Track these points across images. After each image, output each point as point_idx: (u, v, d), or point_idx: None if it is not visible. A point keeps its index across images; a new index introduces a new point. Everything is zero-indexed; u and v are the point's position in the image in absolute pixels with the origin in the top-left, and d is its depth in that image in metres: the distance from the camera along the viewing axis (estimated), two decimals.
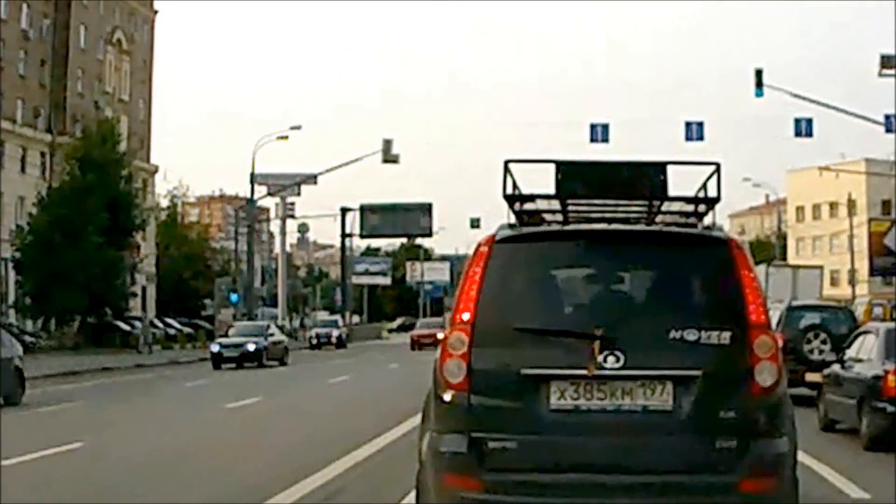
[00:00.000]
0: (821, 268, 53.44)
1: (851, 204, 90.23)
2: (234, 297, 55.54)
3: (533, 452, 6.20)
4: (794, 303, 25.20)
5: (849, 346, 15.92)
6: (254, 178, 56.71)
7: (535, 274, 6.49)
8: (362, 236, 71.34)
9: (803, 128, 43.02)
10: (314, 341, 64.65)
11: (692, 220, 6.93)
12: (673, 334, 6.22)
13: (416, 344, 58.16)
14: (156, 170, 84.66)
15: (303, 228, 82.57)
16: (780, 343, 13.06)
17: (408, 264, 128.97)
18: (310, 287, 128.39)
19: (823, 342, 21.29)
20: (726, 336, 6.23)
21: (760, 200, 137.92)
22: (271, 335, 42.63)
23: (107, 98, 76.97)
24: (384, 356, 48.65)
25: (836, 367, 16.00)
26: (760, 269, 44.31)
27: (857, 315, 24.89)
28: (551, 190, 6.58)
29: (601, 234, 6.67)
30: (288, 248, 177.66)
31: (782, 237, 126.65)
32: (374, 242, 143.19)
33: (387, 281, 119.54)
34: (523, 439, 6.20)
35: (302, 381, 32.55)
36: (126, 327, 58.73)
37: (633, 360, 6.19)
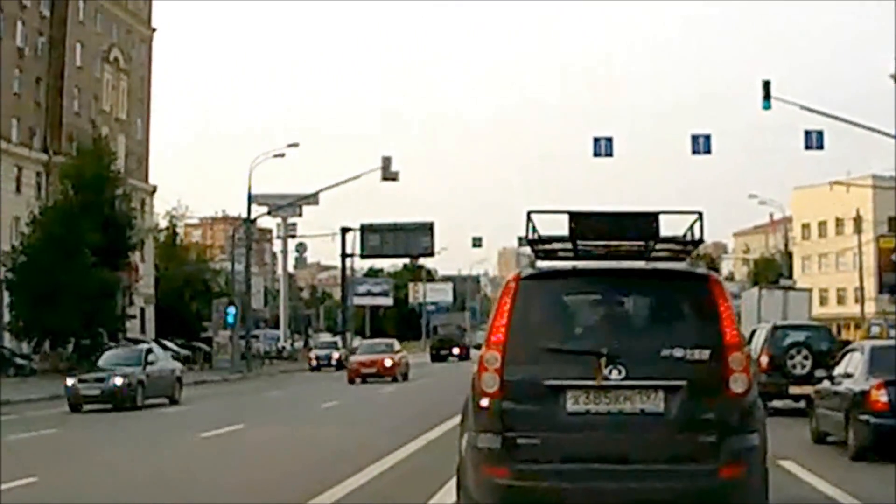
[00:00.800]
0: (809, 290, 57.75)
1: (858, 221, 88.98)
2: (230, 317, 54.11)
3: (553, 447, 7.70)
4: (778, 322, 27.75)
5: (837, 363, 16.98)
6: (251, 197, 55.52)
7: (552, 304, 8.05)
8: (363, 256, 70.14)
9: (814, 140, 41.56)
10: (314, 363, 63.12)
11: (682, 255, 8.64)
12: (664, 352, 7.74)
13: (356, 375, 43.27)
14: (154, 190, 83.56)
15: (300, 249, 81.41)
16: (766, 360, 18.44)
17: (410, 285, 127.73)
18: (313, 308, 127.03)
19: (805, 358, 23.26)
20: (706, 353, 7.71)
21: (766, 218, 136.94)
22: (152, 363, 31.37)
23: (104, 117, 75.90)
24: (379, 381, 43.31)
25: (826, 383, 17.02)
26: (753, 292, 50.24)
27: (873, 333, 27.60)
28: (565, 232, 8.20)
29: (605, 272, 8.31)
30: (291, 270, 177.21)
31: (787, 255, 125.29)
32: (377, 263, 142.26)
33: (388, 302, 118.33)
34: (545, 436, 7.70)
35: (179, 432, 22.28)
36: None
37: (632, 372, 7.71)
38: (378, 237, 67.97)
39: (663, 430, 7.74)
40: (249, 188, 55.80)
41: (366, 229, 68.13)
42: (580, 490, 7.71)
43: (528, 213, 8.23)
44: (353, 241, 69.02)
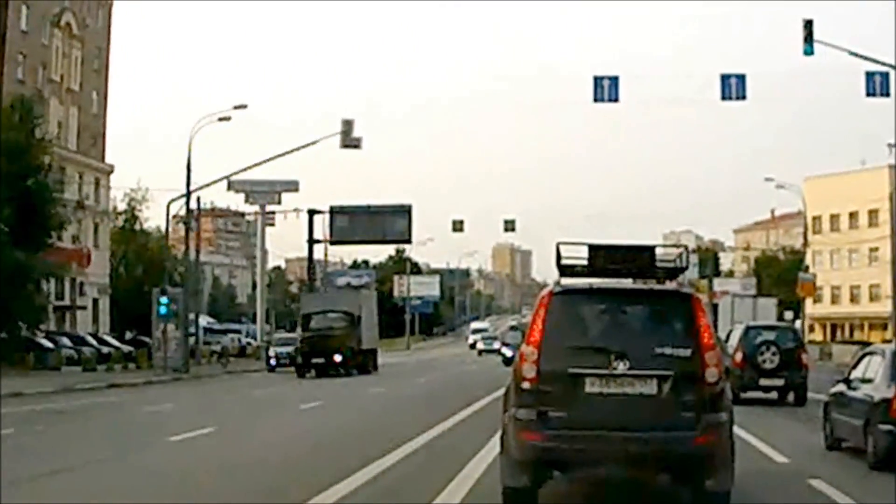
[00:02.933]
0: (777, 297, 66.83)
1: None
2: (162, 308, 46.62)
3: (575, 418, 10.11)
4: (751, 323, 31.49)
5: (854, 367, 16.64)
6: (190, 167, 48.24)
7: (576, 312, 10.56)
8: (332, 242, 62.14)
9: (877, 85, 33.79)
10: (272, 362, 55.68)
11: (672, 277, 11.14)
12: (657, 350, 10.21)
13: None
14: (111, 170, 76.41)
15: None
16: (740, 356, 26.53)
17: (395, 278, 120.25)
18: (298, 302, 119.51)
19: (774, 354, 26.80)
20: (688, 352, 10.20)
21: (783, 208, 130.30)
22: None
23: (52, 87, 68.82)
24: (351, 390, 35.78)
25: (841, 387, 16.61)
26: (728, 299, 59.78)
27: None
28: (584, 258, 10.79)
29: (614, 291, 10.83)
30: (283, 263, 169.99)
31: (794, 252, 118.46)
32: (361, 255, 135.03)
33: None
34: (569, 411, 10.14)
35: None
36: (49, 344, 50.39)
37: (634, 365, 10.18)
38: (349, 220, 60.20)
39: (656, 407, 10.11)
40: (189, 156, 48.49)
41: (335, 212, 60.30)
42: (593, 449, 10.14)
43: (557, 245, 10.83)
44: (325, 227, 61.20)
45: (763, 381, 26.82)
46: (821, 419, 17.42)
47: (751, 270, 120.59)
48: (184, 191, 50.23)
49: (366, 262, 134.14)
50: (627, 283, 10.98)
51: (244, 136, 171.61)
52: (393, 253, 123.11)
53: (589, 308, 10.54)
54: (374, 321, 55.02)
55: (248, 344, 74.18)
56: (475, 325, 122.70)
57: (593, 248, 10.67)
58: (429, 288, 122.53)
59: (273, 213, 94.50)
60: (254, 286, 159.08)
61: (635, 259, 10.80)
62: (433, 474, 13.60)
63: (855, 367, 16.60)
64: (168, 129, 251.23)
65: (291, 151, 49.84)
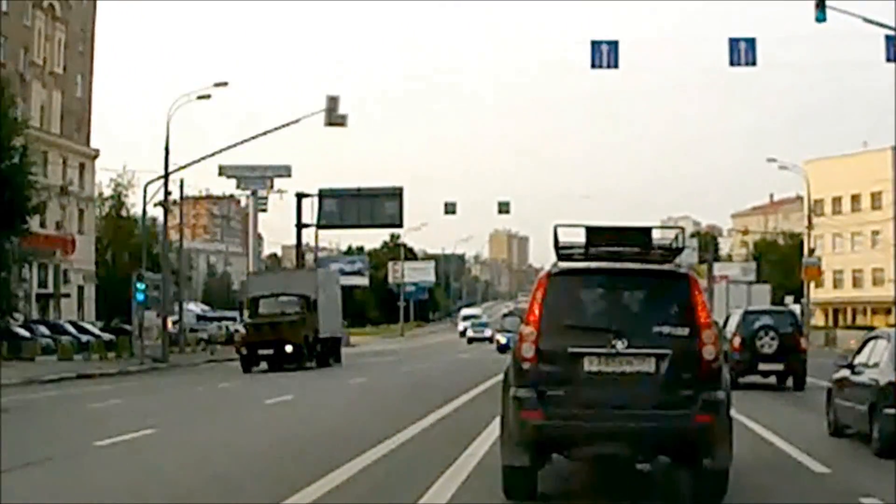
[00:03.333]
0: (776, 282, 68.24)
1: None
2: (139, 295, 44.80)
3: (574, 397, 10.13)
4: (749, 308, 31.88)
5: (858, 351, 16.24)
6: (168, 148, 46.34)
7: (574, 293, 10.56)
8: (320, 226, 59.87)
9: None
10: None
11: (668, 258, 11.07)
12: (655, 329, 10.22)
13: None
14: (96, 154, 74.61)
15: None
16: (738, 340, 26.33)
17: (389, 264, 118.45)
18: None
19: (772, 339, 26.67)
20: (686, 330, 10.20)
21: (781, 192, 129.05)
22: None
23: (35, 70, 66.99)
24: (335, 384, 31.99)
25: (845, 372, 16.28)
26: (723, 285, 60.98)
27: None
28: (581, 240, 10.81)
29: (612, 271, 10.70)
30: (280, 250, 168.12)
31: (794, 237, 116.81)
32: (356, 241, 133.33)
33: (364, 282, 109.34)
34: (568, 390, 10.14)
35: None
36: (25, 333, 48.68)
37: (632, 343, 10.15)
38: (337, 204, 58.09)
39: (654, 385, 10.11)
40: (167, 138, 46.53)
41: (324, 195, 58.27)
42: (592, 428, 10.13)
43: (555, 227, 10.87)
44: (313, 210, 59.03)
45: (762, 366, 26.83)
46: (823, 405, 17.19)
47: (750, 255, 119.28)
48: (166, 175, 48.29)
49: (361, 249, 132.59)
50: (626, 263, 10.84)
51: (232, 117, 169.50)
52: (388, 239, 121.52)
53: (587, 288, 10.64)
54: (336, 306, 48.45)
55: (237, 331, 72.24)
56: (466, 311, 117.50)
57: (591, 230, 10.78)
58: (424, 274, 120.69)
59: (265, 197, 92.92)
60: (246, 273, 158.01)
61: (633, 240, 10.88)
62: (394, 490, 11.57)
63: (859, 351, 16.20)
64: (155, 111, 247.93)
65: (274, 130, 47.88)
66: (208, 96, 45.02)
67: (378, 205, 57.92)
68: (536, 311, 10.25)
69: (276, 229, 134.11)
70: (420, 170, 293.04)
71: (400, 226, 60.19)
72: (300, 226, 57.96)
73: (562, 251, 10.92)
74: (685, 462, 10.54)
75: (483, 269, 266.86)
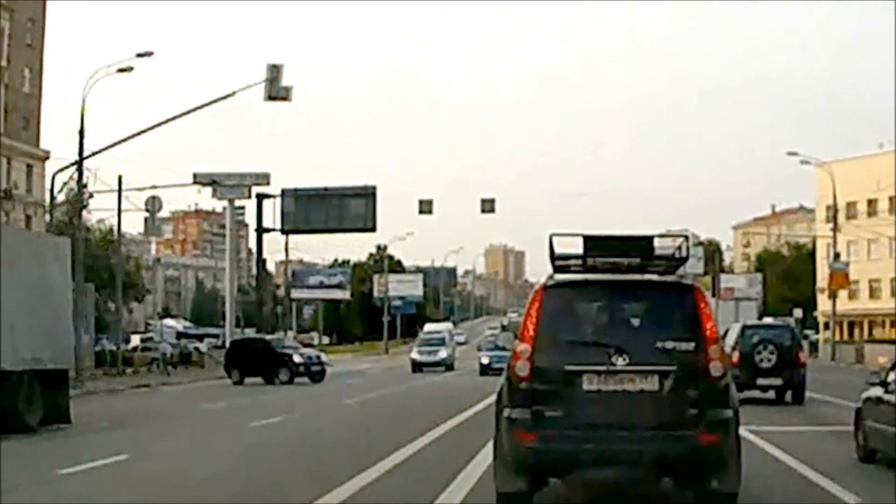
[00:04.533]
0: (757, 300, 67.46)
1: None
2: None
3: (572, 418, 9.78)
4: (748, 322, 34.73)
5: (893, 368, 15.09)
6: (83, 132, 39.63)
7: (571, 306, 10.14)
8: (284, 231, 52.82)
9: None
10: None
11: (671, 269, 10.67)
12: (658, 344, 9.80)
13: None
14: (46, 156, 68.18)
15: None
16: (737, 356, 25.90)
17: (375, 277, 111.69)
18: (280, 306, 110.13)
19: (771, 353, 27.02)
20: (691, 346, 9.79)
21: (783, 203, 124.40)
22: None
23: None
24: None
25: (877, 390, 15.02)
26: (712, 302, 58.63)
27: None
28: (579, 250, 10.28)
29: (611, 283, 10.35)
30: (272, 265, 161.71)
31: (799, 248, 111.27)
32: (342, 254, 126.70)
33: (345, 295, 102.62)
34: (566, 410, 9.79)
35: None
36: None
37: (634, 360, 9.73)
38: (302, 205, 51.13)
39: (657, 404, 9.74)
40: (82, 120, 39.85)
41: (287, 196, 51.41)
42: (592, 450, 9.73)
43: (550, 237, 10.34)
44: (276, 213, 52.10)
45: (760, 381, 26.96)
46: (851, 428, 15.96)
47: (752, 267, 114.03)
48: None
49: (347, 262, 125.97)
50: (626, 274, 10.51)
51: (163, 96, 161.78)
52: (374, 252, 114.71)
53: (585, 301, 10.32)
54: (56, 305, 22.92)
55: (196, 350, 65.65)
56: (430, 326, 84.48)
57: (588, 239, 10.27)
58: (411, 287, 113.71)
59: (243, 207, 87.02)
60: (239, 290, 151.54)
61: (633, 249, 10.40)
62: None
63: (893, 367, 15.08)
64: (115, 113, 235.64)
65: (206, 105, 41.24)
66: (131, 69, 38.60)
67: (348, 207, 51.05)
68: (531, 327, 10.01)
69: (271, 240, 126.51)
70: (403, 176, 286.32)
71: (373, 229, 52.39)
72: (261, 230, 51.03)
73: (558, 262, 10.57)
74: (691, 485, 10.37)
75: (479, 283, 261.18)
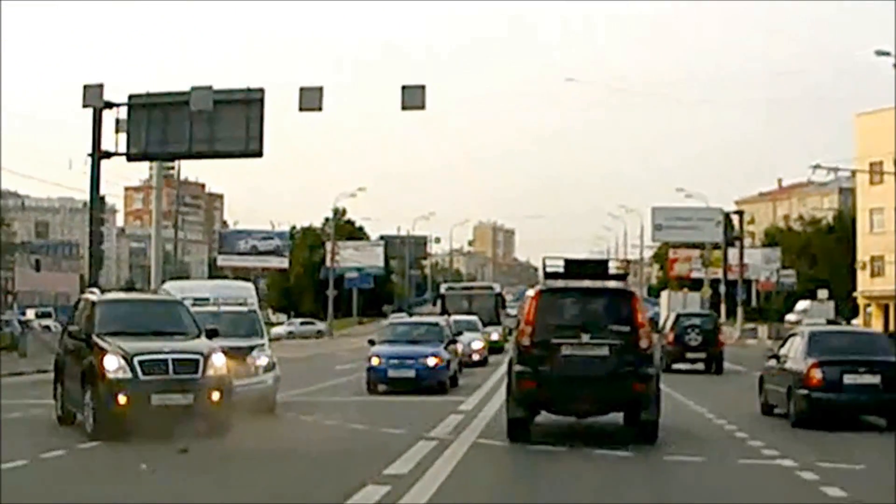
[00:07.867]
0: (700, 292, 76.93)
1: None
2: None
3: (555, 372, 16.45)
4: (680, 311, 44.68)
5: (783, 346, 21.55)
6: None
7: (557, 303, 17.07)
8: (130, 157, 35.90)
9: None
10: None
11: (621, 279, 17.86)
12: (609, 327, 16.58)
13: None
14: None
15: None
16: (672, 335, 37.92)
17: (328, 245, 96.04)
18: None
19: (697, 334, 36.80)
20: (628, 328, 16.55)
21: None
22: None
23: None
24: None
25: (772, 362, 21.43)
26: (665, 294, 76.67)
27: None
28: (561, 269, 17.55)
29: (582, 289, 17.40)
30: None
31: (814, 222, 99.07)
32: (302, 220, 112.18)
33: (283, 264, 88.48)
34: (551, 366, 16.49)
35: None
36: None
37: (594, 337, 16.49)
38: (155, 120, 34.87)
39: (608, 364, 16.40)
40: None
41: (135, 108, 35.35)
42: (567, 391, 16.59)
43: (543, 259, 17.49)
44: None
45: (689, 355, 36.94)
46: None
47: (757, 242, 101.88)
48: None
49: (306, 228, 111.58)
50: (590, 283, 17.46)
51: None
52: (331, 216, 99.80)
53: (565, 300, 17.22)
54: None
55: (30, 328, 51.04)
56: (395, 317, 56.67)
57: (568, 262, 17.45)
58: (370, 257, 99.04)
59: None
60: (210, 263, 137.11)
61: (595, 269, 18.00)
62: None
63: (783, 345, 21.55)
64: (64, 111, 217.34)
65: None
66: None
67: (223, 121, 35.08)
68: (532, 315, 16.72)
69: (246, 213, 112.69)
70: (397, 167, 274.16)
71: (258, 154, 35.61)
72: (98, 156, 35.53)
73: (548, 275, 17.35)
74: (629, 414, 17.26)
75: (465, 259, 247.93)
